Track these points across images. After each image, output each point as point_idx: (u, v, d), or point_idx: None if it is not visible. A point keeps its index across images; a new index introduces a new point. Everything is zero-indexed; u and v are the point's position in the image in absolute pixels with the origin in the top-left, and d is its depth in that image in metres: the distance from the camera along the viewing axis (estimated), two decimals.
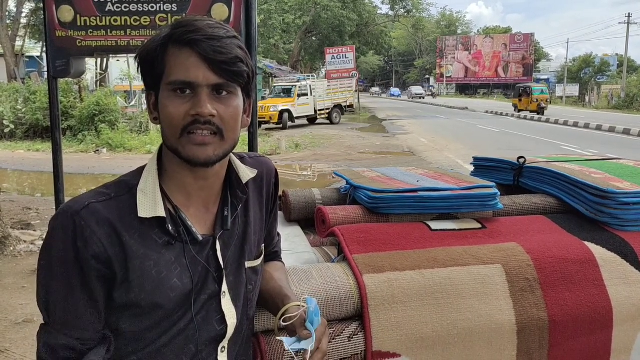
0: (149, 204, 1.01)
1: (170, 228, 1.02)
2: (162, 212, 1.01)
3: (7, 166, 12.51)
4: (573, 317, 1.42)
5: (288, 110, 23.00)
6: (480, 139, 17.05)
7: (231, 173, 1.11)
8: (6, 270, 4.99)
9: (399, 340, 1.32)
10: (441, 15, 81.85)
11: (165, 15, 4.02)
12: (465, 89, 70.80)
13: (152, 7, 4.03)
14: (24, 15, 26.17)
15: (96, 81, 23.31)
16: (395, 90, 73.40)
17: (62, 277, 0.98)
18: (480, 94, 67.19)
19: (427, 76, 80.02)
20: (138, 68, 1.03)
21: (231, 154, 1.10)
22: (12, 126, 16.47)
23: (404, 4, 44.63)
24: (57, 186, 4.38)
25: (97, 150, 14.72)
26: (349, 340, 1.31)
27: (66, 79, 10.20)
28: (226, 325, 1.08)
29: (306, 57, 43.92)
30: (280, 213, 2.00)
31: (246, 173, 1.12)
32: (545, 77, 72.25)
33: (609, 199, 1.61)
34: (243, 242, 1.13)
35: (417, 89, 65.32)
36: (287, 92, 24.38)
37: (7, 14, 25.59)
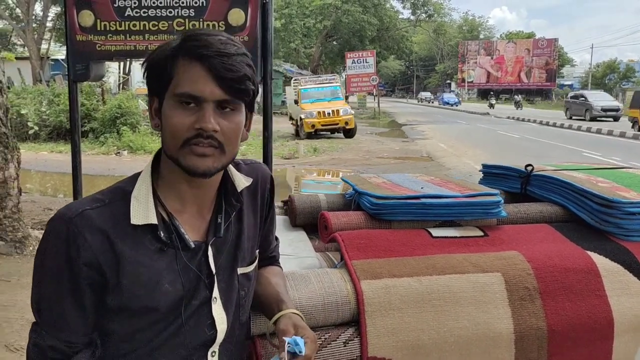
0: (142, 211, 1.03)
1: (162, 235, 1.04)
2: (153, 220, 1.03)
3: (30, 167, 12.72)
4: (573, 327, 1.40)
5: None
6: (500, 145, 16.89)
7: (226, 181, 1.13)
8: (25, 270, 5.09)
9: (395, 346, 1.32)
10: (463, 20, 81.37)
11: (182, 20, 4.08)
12: (486, 94, 70.22)
13: (170, 12, 4.09)
14: (49, 18, 26.69)
15: (119, 84, 23.67)
16: (449, 96, 55.92)
17: (53, 280, 1.01)
18: (503, 99, 66.55)
19: (448, 81, 79.55)
20: (144, 73, 1.05)
21: None
22: (36, 128, 16.78)
23: (425, 8, 44.52)
24: (75, 187, 4.47)
25: (118, 152, 14.93)
26: (345, 346, 1.32)
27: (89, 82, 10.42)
28: (216, 331, 1.10)
29: (327, 62, 44.02)
30: (285, 218, 2.03)
31: (241, 181, 1.14)
32: (569, 82, 71.34)
33: (615, 208, 1.59)
34: (236, 249, 1.14)
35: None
36: (330, 93, 21.01)
37: (33, 17, 26.14)
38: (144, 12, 4.13)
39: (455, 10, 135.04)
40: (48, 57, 26.90)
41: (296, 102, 20.74)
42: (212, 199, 1.12)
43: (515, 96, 43.23)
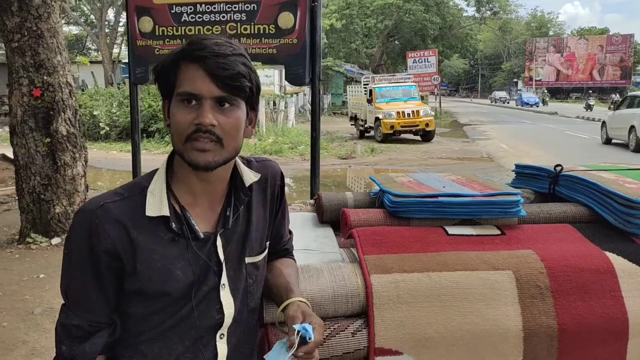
0: (156, 204, 1.14)
1: (174, 226, 1.14)
2: (166, 212, 1.14)
3: (101, 165, 13.43)
4: (585, 326, 1.40)
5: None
6: (566, 146, 16.27)
7: (236, 176, 1.22)
8: None
9: (402, 338, 1.37)
10: (531, 17, 78.66)
11: (235, 24, 4.23)
12: (556, 92, 67.60)
13: (223, 17, 4.25)
14: (120, 24, 27.97)
15: None
16: (529, 95, 48.91)
17: (78, 266, 1.13)
18: (573, 98, 63.68)
19: (515, 80, 77.17)
20: (155, 80, 1.16)
21: (238, 158, 1.21)
22: (107, 128, 17.67)
23: (490, 5, 43.41)
24: None
25: None
26: (353, 336, 1.37)
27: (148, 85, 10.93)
28: (224, 315, 1.19)
29: (388, 61, 43.77)
30: (314, 215, 2.10)
31: (249, 176, 1.23)
32: None
33: (638, 209, 1.57)
34: (244, 240, 1.23)
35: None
36: (406, 93, 19.88)
37: (106, 23, 27.49)
38: (199, 17, 4.32)
39: (522, 6, 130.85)
40: (119, 61, 28.24)
41: (369, 101, 19.58)
42: (223, 193, 1.22)
43: (588, 99, 39.78)
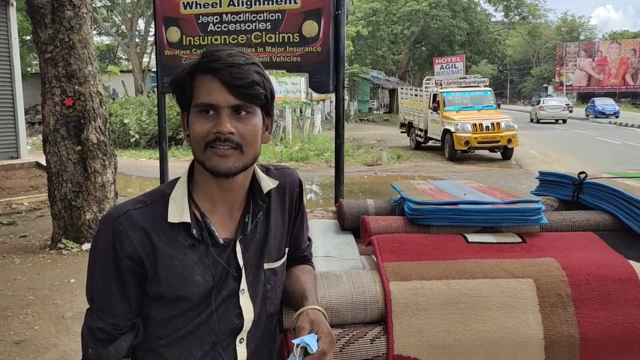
0: (178, 210, 1.17)
1: (195, 232, 1.17)
2: (187, 218, 1.17)
3: (131, 172, 13.69)
4: (608, 336, 1.38)
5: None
6: (597, 152, 15.95)
7: (254, 183, 1.25)
8: None
9: (421, 346, 1.37)
10: (562, 21, 77.47)
11: (260, 34, 4.30)
12: (587, 98, 66.32)
13: (249, 27, 4.32)
14: (150, 34, 28.53)
15: None
16: (605, 103, 37.51)
17: (102, 271, 1.17)
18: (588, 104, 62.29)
19: (545, 85, 76.03)
20: (173, 93, 1.20)
21: (256, 166, 1.24)
22: (137, 136, 18.01)
23: (519, 10, 42.90)
24: None
25: None
26: (372, 343, 1.38)
27: None
28: (243, 320, 1.22)
29: (415, 68, 43.60)
30: (335, 222, 2.12)
31: (267, 183, 1.25)
32: None
33: None
34: (263, 246, 1.26)
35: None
36: (480, 100, 16.60)
37: (136, 33, 28.06)
38: (225, 27, 4.40)
39: (552, 11, 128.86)
40: (149, 70, 28.76)
41: (436, 109, 16.47)
42: (242, 200, 1.24)
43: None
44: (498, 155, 15.90)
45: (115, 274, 1.16)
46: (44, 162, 6.82)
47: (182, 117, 1.22)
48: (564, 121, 31.76)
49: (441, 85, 18.42)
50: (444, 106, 16.14)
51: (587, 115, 38.04)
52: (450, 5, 36.63)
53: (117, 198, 6.43)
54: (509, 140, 14.72)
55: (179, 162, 14.20)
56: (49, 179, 6.09)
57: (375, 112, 39.00)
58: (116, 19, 30.81)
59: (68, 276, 5.14)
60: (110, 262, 1.15)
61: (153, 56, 28.93)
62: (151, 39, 28.62)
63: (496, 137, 14.70)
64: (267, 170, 1.30)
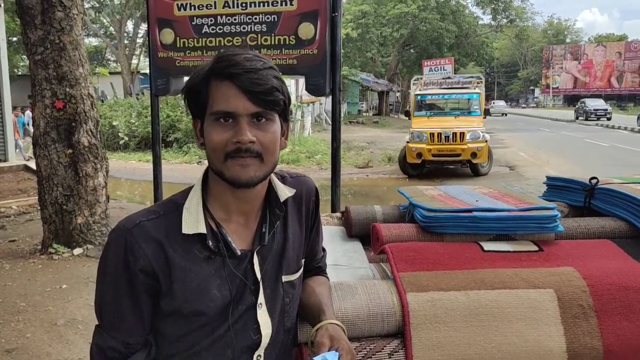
0: (193, 221, 1.12)
1: (211, 243, 1.12)
2: (203, 229, 1.11)
3: (120, 175, 13.55)
4: (632, 347, 1.34)
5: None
6: (586, 154, 16.06)
7: (270, 192, 1.20)
8: None
9: (440, 359, 1.33)
10: (548, 24, 78.18)
11: (255, 35, 4.24)
12: (573, 100, 66.95)
13: (244, 28, 4.26)
14: (139, 35, 28.34)
15: None
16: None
17: (113, 286, 1.11)
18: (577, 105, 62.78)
19: (532, 87, 76.61)
20: (185, 99, 1.14)
21: (272, 174, 1.19)
22: (126, 138, 17.87)
23: (506, 13, 43.09)
24: (156, 195, 4.73)
25: (200, 162, 15.57)
26: (390, 357, 1.33)
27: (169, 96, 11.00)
28: (261, 335, 1.16)
29: (403, 70, 43.70)
30: (341, 228, 2.07)
31: (284, 192, 1.20)
32: None
33: None
34: (281, 257, 1.20)
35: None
36: (463, 104, 14.14)
37: (125, 34, 27.86)
38: (220, 29, 4.34)
39: (539, 14, 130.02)
40: (138, 72, 28.57)
41: (407, 114, 14.37)
42: (258, 209, 1.19)
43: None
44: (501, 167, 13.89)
45: (127, 289, 1.10)
46: (33, 166, 6.70)
47: (195, 124, 1.16)
48: (505, 115, 44.32)
49: (420, 85, 15.88)
50: (415, 110, 13.99)
51: (577, 117, 37.24)
52: (439, 8, 36.77)
53: (108, 202, 6.34)
54: (473, 154, 11.92)
55: (170, 165, 14.11)
56: (39, 182, 5.98)
57: (364, 114, 38.98)
58: (104, 21, 30.56)
59: (60, 282, 5.04)
60: (122, 276, 1.09)
61: (142, 58, 28.82)
62: (140, 40, 28.43)
63: (456, 150, 11.99)
64: (282, 178, 1.25)
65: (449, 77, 16.38)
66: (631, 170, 11.85)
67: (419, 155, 12.04)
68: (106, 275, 1.12)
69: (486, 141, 12.18)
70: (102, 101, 21.75)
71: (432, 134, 12.10)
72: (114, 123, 18.01)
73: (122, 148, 17.84)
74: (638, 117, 27.58)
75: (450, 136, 12.00)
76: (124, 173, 13.89)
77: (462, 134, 11.99)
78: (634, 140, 20.82)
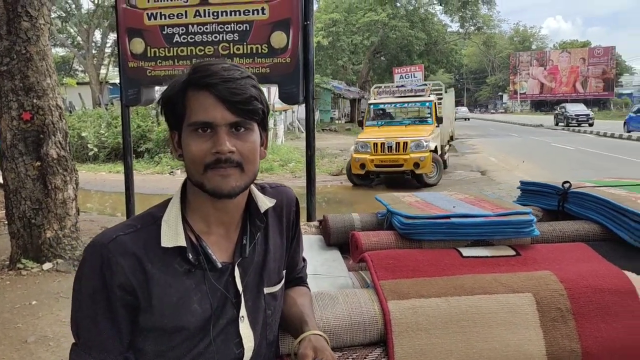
0: (172, 234, 1.09)
1: (191, 257, 1.09)
2: (182, 242, 1.09)
3: (90, 187, 13.28)
4: (609, 349, 1.37)
5: (436, 149, 12.28)
6: (554, 158, 16.39)
7: (250, 203, 1.18)
8: None
9: None
10: (514, 31, 79.91)
11: (227, 45, 4.22)
12: (540, 105, 68.46)
13: (216, 37, 4.24)
14: (108, 45, 27.97)
15: None
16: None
17: (90, 302, 1.07)
18: (557, 110, 64.23)
19: (500, 93, 78.07)
20: (161, 110, 1.12)
21: (252, 184, 1.17)
22: (96, 149, 17.55)
23: (474, 21, 43.87)
24: (128, 207, 4.65)
25: (172, 172, 15.39)
26: None
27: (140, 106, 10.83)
28: (244, 349, 1.14)
29: (374, 77, 44.04)
30: (319, 237, 2.06)
31: (264, 202, 1.19)
32: (628, 91, 68.68)
33: None
34: (262, 269, 1.19)
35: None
36: (415, 113, 13.72)
37: (93, 44, 27.46)
38: (191, 38, 4.30)
39: (506, 21, 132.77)
40: (107, 82, 28.16)
41: (360, 123, 14.26)
42: (238, 221, 1.17)
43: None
44: (476, 172, 13.83)
45: (104, 306, 1.06)
46: (0, 179, 6.53)
47: (172, 136, 1.14)
48: (468, 119, 45.46)
49: (374, 95, 15.35)
50: (368, 119, 13.83)
51: (557, 123, 35.46)
52: (408, 16, 37.23)
53: (78, 215, 6.20)
54: (416, 164, 11.49)
55: (141, 176, 13.89)
56: (7, 196, 5.81)
57: (337, 121, 39.14)
58: (71, 30, 30.07)
59: (29, 298, 4.89)
60: (99, 293, 1.06)
61: (111, 68, 28.40)
62: (108, 50, 28.06)
63: (398, 160, 11.65)
64: (262, 188, 1.24)
65: (402, 85, 15.77)
66: (598, 173, 12.14)
67: (362, 166, 11.86)
68: (82, 292, 1.08)
69: (431, 151, 11.76)
70: (70, 112, 21.33)
71: (375, 144, 11.90)
72: (83, 134, 17.69)
73: (92, 159, 17.51)
74: (624, 123, 26.57)
75: (393, 146, 11.78)
76: (93, 185, 13.63)
77: (405, 144, 11.72)
78: (598, 143, 21.35)
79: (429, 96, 13.85)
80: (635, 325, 1.39)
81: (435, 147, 12.13)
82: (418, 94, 14.27)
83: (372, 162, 11.81)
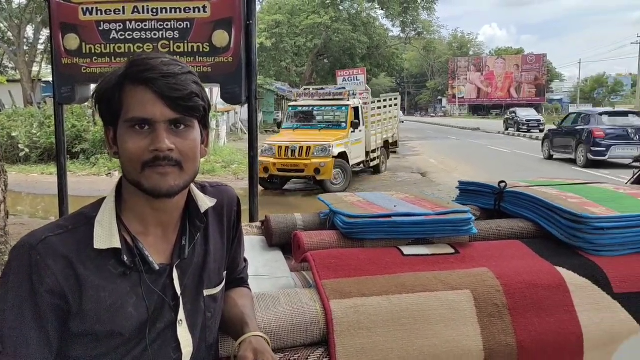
0: (105, 235, 1.04)
1: (126, 259, 1.05)
2: (117, 244, 1.04)
3: (20, 189, 12.66)
4: (542, 343, 1.41)
5: (344, 155, 12.02)
6: (490, 160, 16.99)
7: (190, 202, 1.15)
8: None
9: None
10: (453, 37, 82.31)
11: (167, 42, 4.12)
12: (477, 109, 70.81)
13: (155, 35, 4.12)
14: (40, 41, 26.80)
15: None
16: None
17: (16, 309, 1.00)
18: (493, 114, 66.67)
19: (440, 97, 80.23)
20: (95, 105, 1.07)
21: (192, 183, 1.14)
22: (27, 150, 16.75)
23: (414, 26, 44.87)
24: (61, 210, 4.46)
25: (109, 173, 14.90)
26: None
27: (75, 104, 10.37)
28: (182, 354, 1.10)
29: (318, 79, 44.23)
30: (262, 238, 2.03)
31: (205, 202, 1.15)
32: (559, 97, 72.09)
33: (583, 223, 1.62)
34: (202, 271, 1.15)
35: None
36: (330, 117, 13.37)
37: (24, 40, 26.23)
38: (129, 35, 4.17)
39: (445, 27, 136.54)
40: (39, 80, 26.95)
41: (279, 125, 13.95)
42: (177, 221, 1.14)
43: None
44: (416, 175, 13.81)
45: (31, 312, 1.00)
46: None
47: (107, 132, 1.09)
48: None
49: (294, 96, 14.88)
50: (286, 122, 13.71)
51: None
52: (350, 20, 37.64)
53: (7, 218, 5.90)
54: (317, 170, 11.19)
55: (76, 177, 13.38)
56: None
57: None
58: (1, 25, 28.61)
59: None
60: (26, 298, 0.99)
61: (44, 65, 27.20)
62: (41, 47, 26.87)
63: (299, 165, 11.42)
64: (202, 187, 1.20)
65: (321, 88, 15.32)
66: (531, 173, 12.68)
67: (266, 169, 11.51)
68: (7, 298, 1.01)
69: (334, 157, 11.40)
70: (0, 110, 20.29)
71: (280, 148, 11.64)
72: (14, 134, 16.84)
73: (23, 160, 16.70)
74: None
75: (297, 150, 11.48)
76: (24, 187, 13.01)
77: (309, 148, 11.41)
78: (531, 146, 22.28)
79: (348, 100, 13.42)
80: (566, 319, 1.44)
81: (343, 153, 11.85)
82: (336, 97, 13.78)
83: (275, 166, 11.57)
